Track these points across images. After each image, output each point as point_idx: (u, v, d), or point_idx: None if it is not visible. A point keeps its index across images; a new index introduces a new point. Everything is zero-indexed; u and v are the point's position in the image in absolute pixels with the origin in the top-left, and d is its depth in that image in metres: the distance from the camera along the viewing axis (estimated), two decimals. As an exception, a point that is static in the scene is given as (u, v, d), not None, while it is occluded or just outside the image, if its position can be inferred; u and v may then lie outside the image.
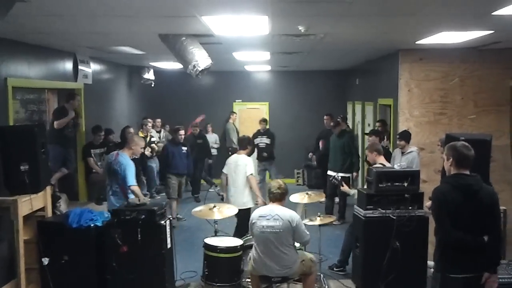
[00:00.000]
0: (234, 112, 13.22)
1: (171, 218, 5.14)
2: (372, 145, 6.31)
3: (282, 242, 4.70)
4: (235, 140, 12.75)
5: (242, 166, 6.66)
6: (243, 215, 6.23)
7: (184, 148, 9.08)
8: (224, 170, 6.85)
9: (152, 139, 10.43)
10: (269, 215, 4.73)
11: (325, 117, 10.69)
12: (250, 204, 6.64)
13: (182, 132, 9.10)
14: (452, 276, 3.78)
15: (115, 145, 8.49)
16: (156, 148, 10.13)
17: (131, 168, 5.84)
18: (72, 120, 7.30)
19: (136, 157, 6.64)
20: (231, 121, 12.93)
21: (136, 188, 5.73)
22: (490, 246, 3.75)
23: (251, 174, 6.64)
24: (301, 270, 4.88)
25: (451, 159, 3.81)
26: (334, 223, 7.41)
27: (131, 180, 5.76)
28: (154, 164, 10.34)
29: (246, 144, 6.95)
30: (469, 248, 3.73)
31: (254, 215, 4.88)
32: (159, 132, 11.56)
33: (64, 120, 7.08)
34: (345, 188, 6.23)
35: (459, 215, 3.69)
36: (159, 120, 11.57)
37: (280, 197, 4.88)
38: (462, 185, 3.72)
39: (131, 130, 8.92)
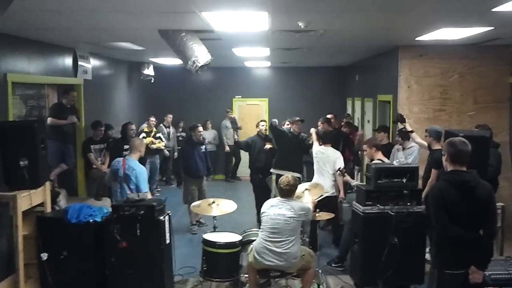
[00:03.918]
0: (229, 110, 12.97)
1: (170, 214, 5.13)
2: (371, 140, 6.36)
3: (292, 231, 4.82)
4: (228, 136, 12.66)
5: (331, 159, 6.92)
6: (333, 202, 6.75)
7: (203, 147, 8.20)
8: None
9: (158, 135, 10.44)
10: (281, 205, 4.90)
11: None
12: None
13: (200, 129, 8.16)
14: (450, 272, 3.79)
15: (115, 141, 8.49)
16: (160, 146, 10.15)
17: (143, 174, 5.81)
18: (73, 123, 7.38)
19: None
20: (226, 119, 12.77)
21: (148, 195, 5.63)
22: (484, 243, 3.76)
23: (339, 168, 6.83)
24: (300, 264, 4.92)
25: (447, 155, 3.81)
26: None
27: (144, 187, 5.70)
28: (157, 160, 10.36)
29: (332, 138, 7.37)
30: (467, 244, 3.74)
31: (266, 205, 5.02)
32: (168, 127, 11.55)
33: (59, 122, 7.11)
34: (347, 178, 6.54)
35: (456, 212, 3.69)
36: (170, 115, 11.64)
37: (288, 193, 5.01)
38: (459, 182, 3.72)
39: (133, 126, 8.83)
